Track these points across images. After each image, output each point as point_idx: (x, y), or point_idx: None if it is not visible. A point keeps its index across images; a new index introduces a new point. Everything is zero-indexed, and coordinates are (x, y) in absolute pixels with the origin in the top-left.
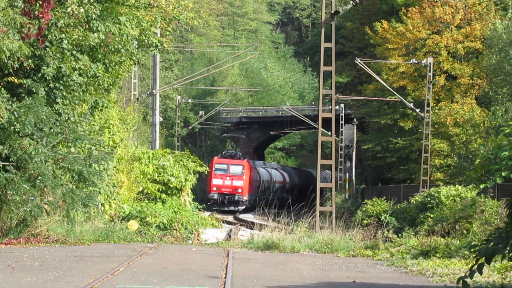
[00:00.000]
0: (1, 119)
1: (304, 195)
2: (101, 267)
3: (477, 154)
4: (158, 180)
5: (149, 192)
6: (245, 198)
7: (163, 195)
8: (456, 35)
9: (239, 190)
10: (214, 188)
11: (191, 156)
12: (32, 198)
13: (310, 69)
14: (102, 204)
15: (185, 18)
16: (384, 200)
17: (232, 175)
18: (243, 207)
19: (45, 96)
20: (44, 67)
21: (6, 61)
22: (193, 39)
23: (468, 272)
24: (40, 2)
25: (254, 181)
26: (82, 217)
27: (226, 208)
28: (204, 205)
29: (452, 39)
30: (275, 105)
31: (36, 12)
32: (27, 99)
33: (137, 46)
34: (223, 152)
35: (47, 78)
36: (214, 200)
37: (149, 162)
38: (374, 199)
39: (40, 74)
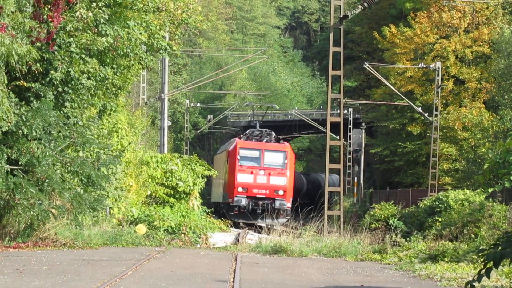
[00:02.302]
0: (9, 123)
1: None
2: (109, 271)
3: (486, 158)
4: (166, 184)
5: (157, 196)
6: (289, 205)
7: (171, 199)
8: (464, 39)
9: (281, 193)
10: (240, 189)
11: (199, 160)
12: (40, 202)
13: (319, 73)
14: (111, 208)
15: (194, 21)
16: (392, 204)
17: (269, 167)
18: (286, 219)
19: (53, 100)
20: (52, 72)
21: (14, 65)
22: (202, 43)
23: (476, 276)
24: (49, 6)
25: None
26: (90, 220)
27: (260, 221)
28: (212, 208)
29: (460, 43)
30: (284, 109)
31: (46, 16)
32: (35, 103)
33: (145, 50)
34: (248, 131)
35: (55, 82)
36: (241, 207)
37: (157, 166)
38: (382, 203)
39: (48, 78)
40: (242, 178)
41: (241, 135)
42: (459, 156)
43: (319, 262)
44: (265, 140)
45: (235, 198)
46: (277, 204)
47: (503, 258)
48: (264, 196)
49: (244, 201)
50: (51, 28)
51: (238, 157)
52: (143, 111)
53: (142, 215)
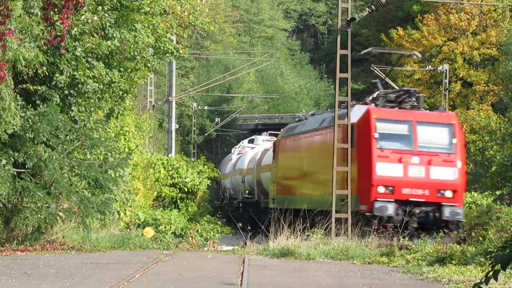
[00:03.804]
0: (15, 126)
1: None
2: (116, 274)
3: (493, 161)
4: (172, 182)
5: (165, 196)
6: (462, 213)
7: (174, 194)
8: (471, 41)
9: (449, 194)
10: (382, 189)
11: (207, 163)
12: (47, 205)
13: (326, 76)
14: (118, 211)
15: (201, 23)
16: None
17: (428, 152)
18: (449, 238)
19: (60, 104)
20: (57, 75)
21: (21, 69)
22: (209, 46)
23: (484, 278)
24: (56, 10)
25: None
26: (98, 224)
27: (417, 241)
28: (218, 215)
29: (467, 45)
30: (291, 112)
31: (56, 18)
32: (41, 106)
33: (152, 53)
34: (378, 93)
35: (61, 85)
36: (384, 219)
37: (163, 168)
38: None
39: (54, 82)
40: (384, 170)
41: (366, 99)
42: (467, 158)
43: (327, 265)
44: (409, 107)
45: (376, 204)
46: (446, 212)
47: (511, 261)
48: (422, 200)
49: (391, 209)
50: (58, 32)
51: (375, 135)
52: (150, 114)
53: (150, 218)
